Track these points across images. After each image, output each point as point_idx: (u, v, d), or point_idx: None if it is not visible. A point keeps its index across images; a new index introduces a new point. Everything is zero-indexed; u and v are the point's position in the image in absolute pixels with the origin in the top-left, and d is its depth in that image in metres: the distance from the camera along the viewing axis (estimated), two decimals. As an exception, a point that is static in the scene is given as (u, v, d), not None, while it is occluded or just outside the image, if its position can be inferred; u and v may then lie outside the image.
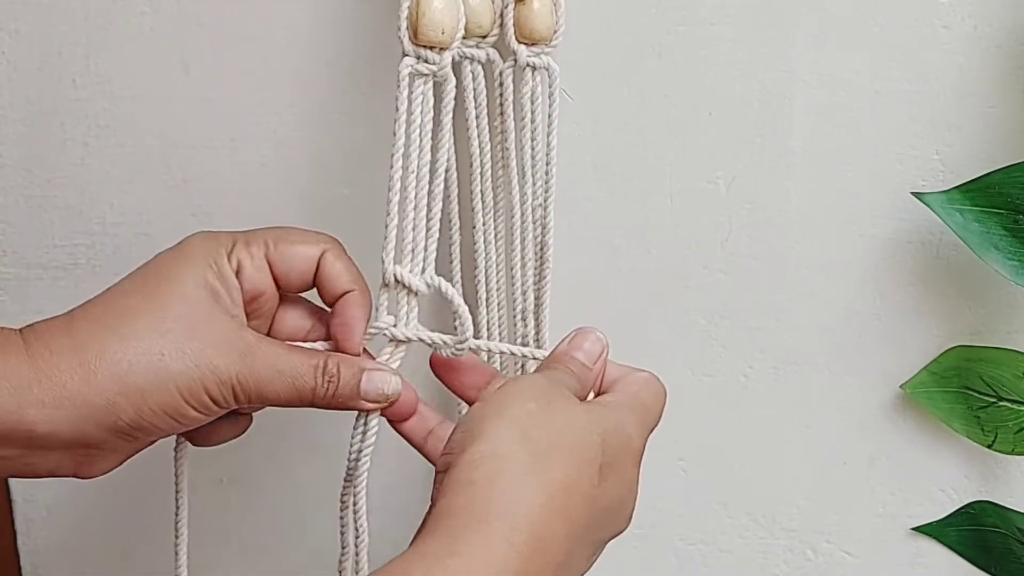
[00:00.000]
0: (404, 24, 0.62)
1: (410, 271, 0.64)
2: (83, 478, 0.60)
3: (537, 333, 0.70)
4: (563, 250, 0.70)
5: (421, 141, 0.63)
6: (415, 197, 0.63)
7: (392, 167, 0.63)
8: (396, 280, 0.64)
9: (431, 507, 0.54)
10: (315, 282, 0.62)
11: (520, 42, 0.65)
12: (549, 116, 0.67)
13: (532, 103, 0.66)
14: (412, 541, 0.52)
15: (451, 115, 0.63)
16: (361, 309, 0.62)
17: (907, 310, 0.74)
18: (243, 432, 0.66)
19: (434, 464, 0.60)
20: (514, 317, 0.70)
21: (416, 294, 0.64)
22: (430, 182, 0.64)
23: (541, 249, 0.68)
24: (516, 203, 0.68)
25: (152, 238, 0.74)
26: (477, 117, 0.67)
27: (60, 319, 0.58)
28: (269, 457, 0.78)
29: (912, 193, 0.70)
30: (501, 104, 0.67)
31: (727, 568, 0.79)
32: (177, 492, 0.67)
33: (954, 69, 0.70)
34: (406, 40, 0.62)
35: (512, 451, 0.54)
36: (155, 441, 0.62)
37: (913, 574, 0.79)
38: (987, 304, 0.73)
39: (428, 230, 0.64)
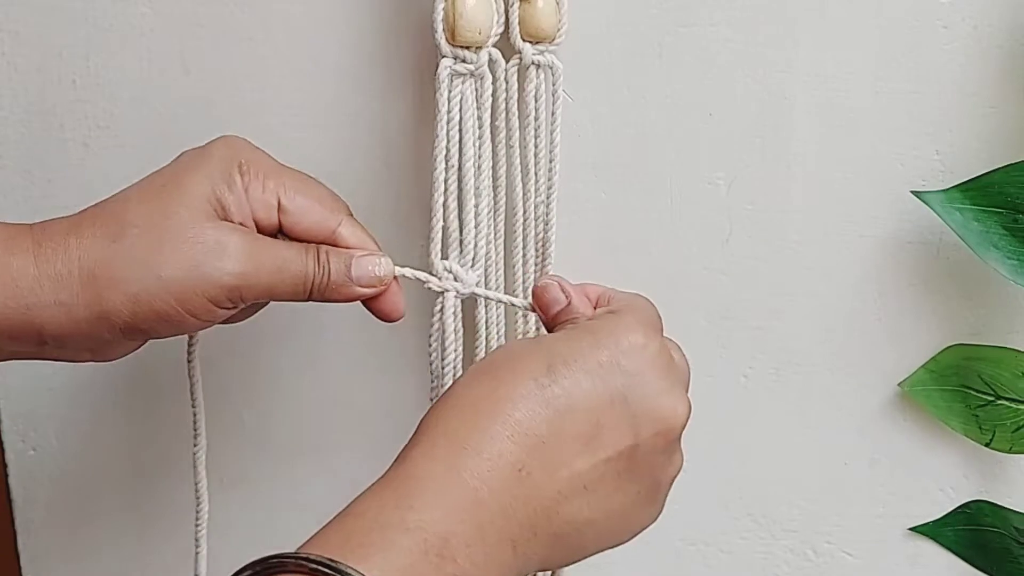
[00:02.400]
0: (440, 26, 0.63)
1: (460, 264, 0.66)
2: (104, 361, 0.63)
3: (537, 330, 0.70)
4: (563, 250, 0.70)
5: (462, 139, 0.65)
6: (459, 194, 0.66)
7: (435, 167, 0.65)
8: (447, 271, 0.66)
9: None
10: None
11: (525, 40, 0.66)
12: (552, 113, 0.67)
13: (536, 100, 0.67)
14: None
15: (490, 111, 0.65)
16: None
17: (907, 310, 0.74)
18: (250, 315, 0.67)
19: None
20: (515, 314, 0.71)
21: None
22: (476, 177, 0.66)
23: (543, 246, 0.69)
24: (519, 200, 0.68)
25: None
26: (479, 116, 0.67)
27: (68, 221, 0.59)
28: (269, 457, 0.78)
29: (911, 192, 0.70)
30: (506, 102, 0.67)
31: (728, 568, 0.79)
32: (192, 383, 0.69)
33: (954, 69, 0.70)
34: (443, 42, 0.63)
35: (462, 383, 0.56)
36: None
37: (913, 574, 0.79)
38: (987, 304, 0.73)
39: (477, 225, 0.66)
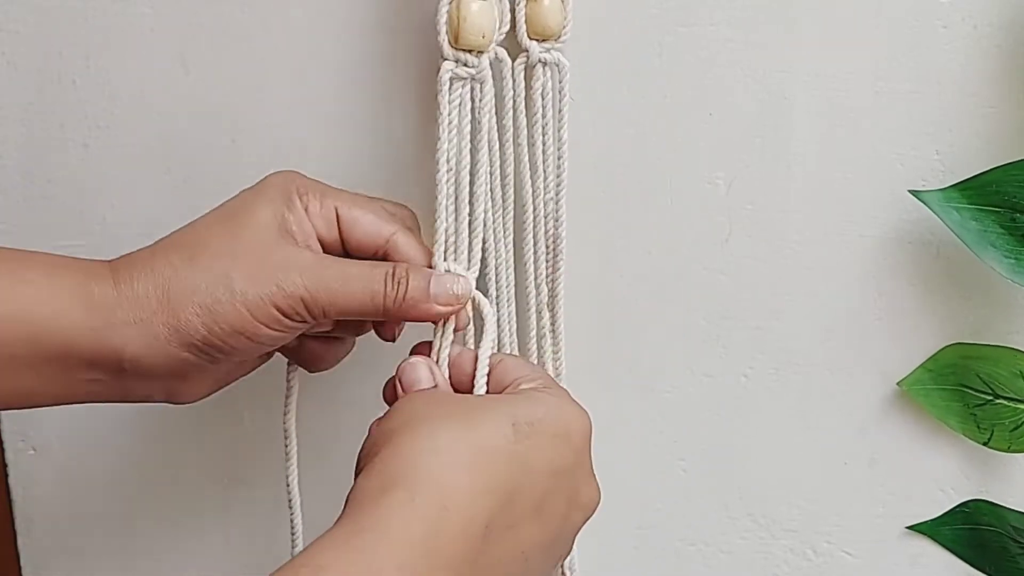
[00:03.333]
0: (444, 29, 0.63)
1: (459, 267, 0.66)
2: (177, 403, 0.64)
3: (553, 325, 0.71)
4: (563, 250, 0.70)
5: (460, 143, 0.65)
6: (457, 199, 0.66)
7: (438, 170, 0.65)
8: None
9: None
10: (384, 258, 0.64)
11: (532, 38, 0.66)
12: (560, 111, 0.68)
13: (543, 98, 0.67)
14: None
15: (491, 115, 0.66)
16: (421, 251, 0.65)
17: (907, 310, 0.74)
18: (348, 352, 0.69)
19: None
20: (527, 311, 0.71)
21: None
22: (471, 183, 0.66)
23: (554, 242, 0.69)
24: (528, 198, 0.69)
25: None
26: (479, 120, 0.67)
27: (145, 250, 0.62)
28: (269, 457, 0.78)
29: (909, 191, 0.70)
30: (514, 100, 0.67)
31: (728, 568, 0.79)
32: (285, 415, 0.70)
33: (954, 69, 0.70)
34: (446, 45, 0.63)
35: (414, 430, 0.55)
36: (248, 369, 0.65)
37: (913, 573, 0.79)
38: (986, 303, 0.74)
39: (472, 231, 0.66)
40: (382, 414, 0.60)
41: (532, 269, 0.70)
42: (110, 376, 0.60)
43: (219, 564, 0.80)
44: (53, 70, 0.71)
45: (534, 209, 0.69)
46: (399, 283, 0.61)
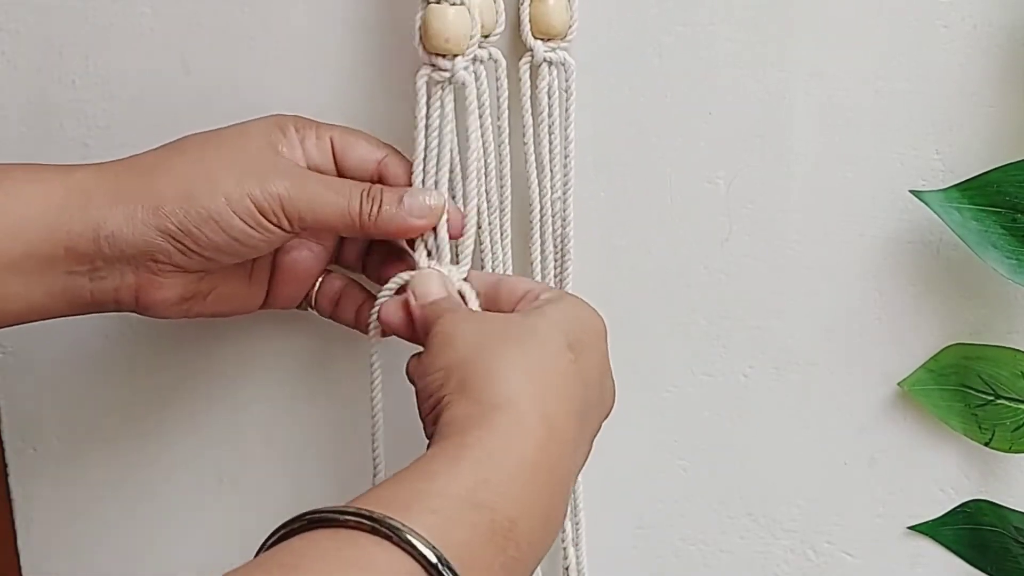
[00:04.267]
0: (417, 35, 0.63)
1: (441, 264, 0.65)
2: (145, 312, 0.63)
3: None
4: (572, 251, 0.70)
5: (440, 147, 0.65)
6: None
7: (413, 173, 0.65)
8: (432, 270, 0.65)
9: (433, 432, 0.54)
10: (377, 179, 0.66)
11: (536, 38, 0.66)
12: (566, 110, 0.68)
13: (549, 98, 0.68)
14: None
15: (475, 117, 0.65)
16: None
17: (907, 310, 0.74)
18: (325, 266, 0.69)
19: None
20: None
21: None
22: (463, 182, 0.66)
23: (562, 242, 0.70)
24: (535, 197, 0.69)
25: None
26: (480, 116, 0.67)
27: (133, 155, 0.63)
28: (269, 457, 0.78)
29: (910, 191, 0.70)
30: (520, 99, 0.68)
31: (727, 568, 0.79)
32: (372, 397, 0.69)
33: (954, 69, 0.70)
34: (420, 50, 0.64)
35: (486, 358, 0.55)
36: (221, 302, 0.66)
37: (914, 574, 0.79)
38: (987, 304, 0.74)
39: (465, 228, 0.66)
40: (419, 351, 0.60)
41: (540, 269, 0.70)
42: (86, 264, 0.60)
43: (219, 564, 0.80)
44: (53, 70, 0.71)
45: (541, 209, 0.69)
46: (373, 199, 0.63)
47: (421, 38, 0.63)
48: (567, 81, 0.68)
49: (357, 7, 0.69)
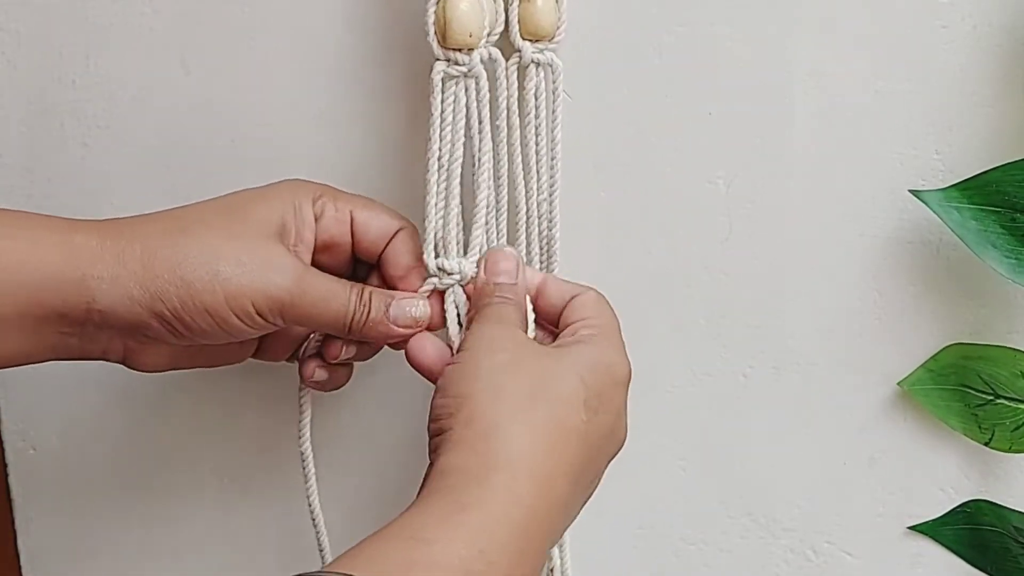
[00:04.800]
0: (432, 29, 0.63)
1: (448, 258, 0.66)
2: (132, 367, 0.64)
3: None
4: (563, 250, 0.70)
5: (453, 141, 0.65)
6: (448, 195, 0.66)
7: (428, 169, 0.65)
8: (440, 269, 0.66)
9: (429, 468, 0.56)
10: (383, 254, 0.66)
11: (524, 39, 0.66)
12: (553, 111, 0.68)
13: (536, 99, 0.67)
14: (414, 502, 0.54)
15: (488, 109, 0.65)
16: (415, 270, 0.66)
17: (907, 309, 0.74)
18: (346, 382, 0.70)
19: None
20: None
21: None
22: (476, 174, 0.66)
23: (548, 243, 0.69)
24: (521, 198, 0.69)
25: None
26: (479, 115, 0.67)
27: (138, 216, 0.63)
28: (269, 457, 0.78)
29: (910, 191, 0.70)
30: (507, 100, 0.67)
31: (727, 568, 0.79)
32: (300, 439, 0.72)
33: (954, 69, 0.70)
34: (435, 45, 0.63)
35: (497, 406, 0.56)
36: (209, 361, 0.66)
37: (914, 573, 0.79)
38: (987, 303, 0.73)
39: (475, 218, 0.66)
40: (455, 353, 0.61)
41: None
42: (76, 328, 0.60)
43: (219, 564, 0.80)
44: (53, 70, 0.71)
45: (527, 210, 0.69)
46: (364, 305, 0.63)
47: (437, 33, 0.63)
48: (554, 82, 0.67)
49: (357, 7, 0.69)
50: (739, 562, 0.79)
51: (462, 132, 0.65)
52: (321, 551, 0.73)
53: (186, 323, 0.60)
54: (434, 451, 0.56)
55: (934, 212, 0.70)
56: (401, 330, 0.64)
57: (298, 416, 0.70)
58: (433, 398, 0.58)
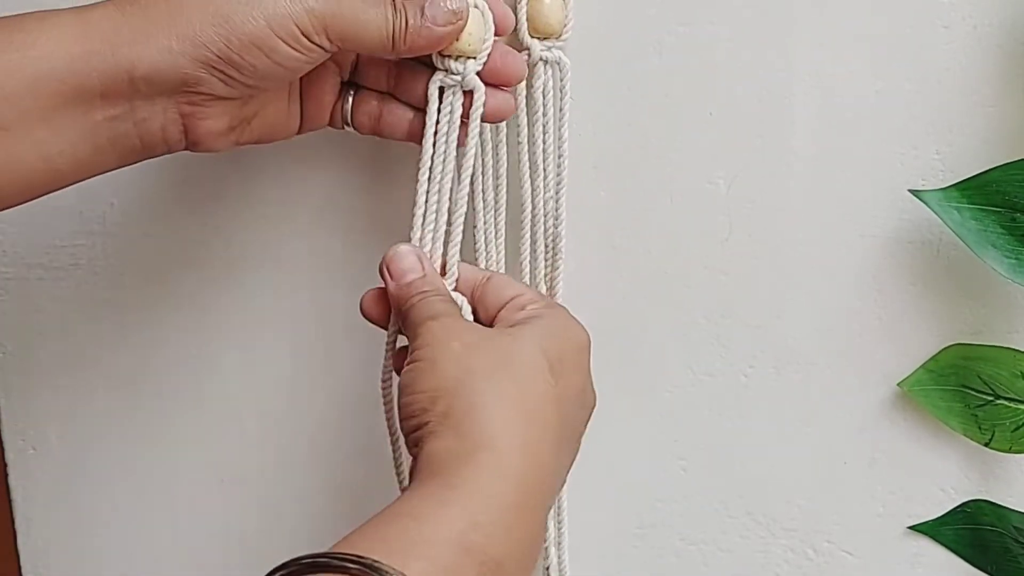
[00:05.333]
0: None
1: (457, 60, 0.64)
2: (196, 147, 0.61)
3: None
4: (563, 250, 0.70)
5: (447, 152, 0.65)
6: (439, 208, 0.65)
7: (419, 180, 0.65)
8: (446, 68, 0.64)
9: (414, 462, 0.56)
10: None
11: (533, 37, 0.66)
12: (560, 109, 0.68)
13: (544, 97, 0.67)
14: (406, 489, 0.54)
15: (478, 123, 0.65)
16: None
17: (907, 309, 0.74)
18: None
19: None
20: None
21: None
22: (454, 190, 0.65)
23: (554, 241, 0.69)
24: (527, 197, 0.69)
25: (152, 238, 0.74)
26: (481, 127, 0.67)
27: None
28: (269, 457, 0.78)
29: (910, 191, 0.70)
30: (516, 98, 0.67)
31: (727, 568, 0.79)
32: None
33: (954, 69, 0.70)
34: (434, 54, 0.63)
35: (469, 388, 0.56)
36: (269, 126, 0.63)
37: (914, 573, 0.79)
38: (987, 304, 0.73)
39: (450, 237, 0.65)
40: (406, 348, 0.60)
41: (529, 268, 0.70)
42: (126, 107, 0.58)
43: (219, 564, 0.80)
44: (53, 70, 0.70)
45: (533, 208, 0.69)
46: (399, 13, 0.60)
47: None
48: (562, 80, 0.68)
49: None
50: (739, 562, 0.79)
51: (455, 142, 0.65)
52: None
53: (234, 62, 0.57)
54: (415, 445, 0.56)
55: (934, 212, 0.70)
56: (443, 29, 0.61)
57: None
58: (400, 398, 0.58)
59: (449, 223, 0.66)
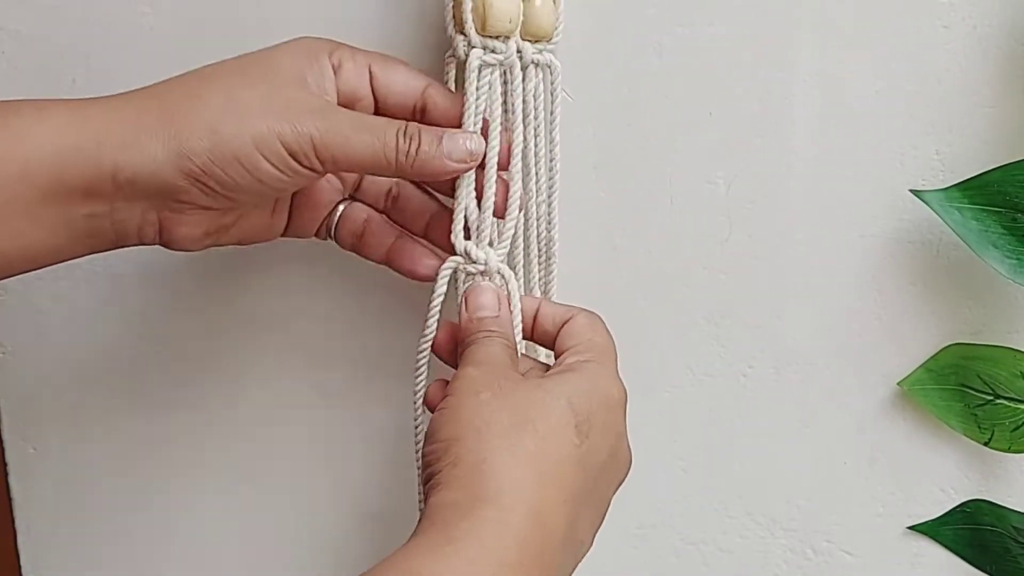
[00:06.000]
0: (470, 17, 0.63)
1: (479, 246, 0.65)
2: (169, 245, 0.61)
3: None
4: (563, 250, 0.70)
5: (491, 130, 0.64)
6: (485, 181, 0.64)
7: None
8: (466, 253, 0.65)
9: (423, 509, 0.55)
10: (422, 115, 0.64)
11: (524, 39, 0.66)
12: (551, 112, 0.67)
13: (535, 99, 0.67)
14: (406, 541, 0.53)
15: (521, 98, 0.65)
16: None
17: (907, 309, 0.74)
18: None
19: None
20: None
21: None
22: (510, 163, 0.65)
23: (547, 245, 0.69)
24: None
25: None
26: (512, 105, 0.67)
27: (152, 84, 0.60)
28: (269, 458, 0.78)
29: (911, 191, 0.70)
30: (507, 101, 0.67)
31: (727, 568, 0.79)
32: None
33: (954, 69, 0.70)
34: (473, 32, 0.63)
35: (483, 442, 0.55)
36: (247, 229, 0.63)
37: (913, 573, 0.79)
38: (987, 303, 0.74)
39: (508, 208, 0.65)
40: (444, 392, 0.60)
41: (523, 273, 0.70)
42: (106, 206, 0.58)
43: (219, 564, 0.80)
44: (53, 70, 0.71)
45: (526, 212, 0.68)
46: (411, 138, 0.60)
47: (475, 20, 0.63)
48: (552, 83, 0.67)
49: (357, 6, 0.69)
50: (739, 561, 0.79)
51: (497, 120, 0.65)
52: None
53: (217, 177, 0.57)
54: (425, 497, 0.55)
55: (935, 212, 0.70)
56: (455, 164, 0.61)
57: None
58: (423, 446, 0.57)
59: (510, 195, 0.65)
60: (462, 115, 0.64)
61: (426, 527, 0.53)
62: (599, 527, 0.60)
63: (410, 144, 0.60)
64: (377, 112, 0.64)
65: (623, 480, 0.62)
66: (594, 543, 0.60)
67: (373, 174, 0.64)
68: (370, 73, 0.63)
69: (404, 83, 0.63)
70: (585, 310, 0.64)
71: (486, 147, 0.64)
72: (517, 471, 0.54)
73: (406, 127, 0.60)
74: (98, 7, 0.69)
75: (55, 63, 0.70)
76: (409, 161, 0.60)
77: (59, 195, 0.57)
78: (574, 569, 0.59)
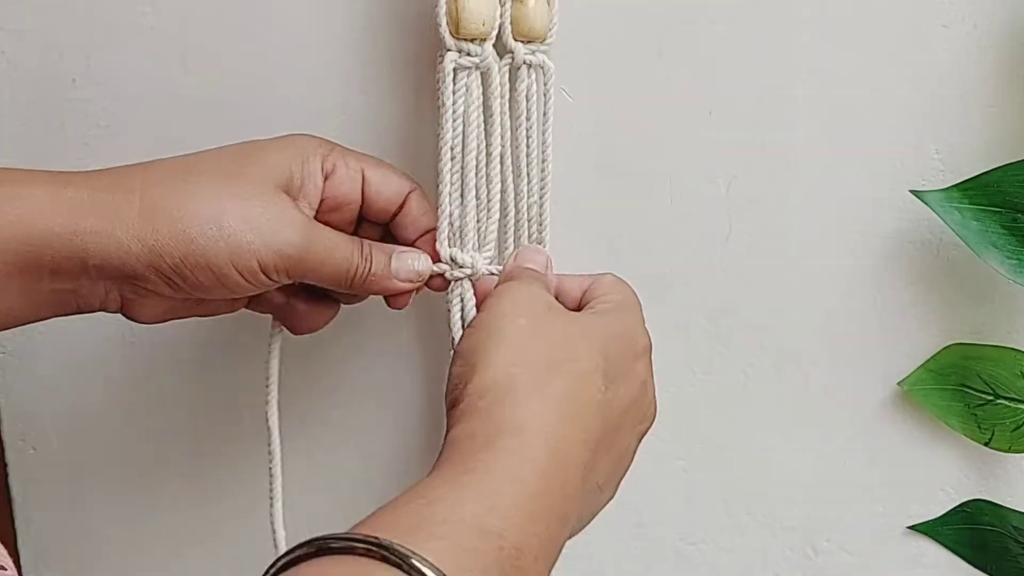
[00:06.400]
0: (444, 20, 0.63)
1: (472, 249, 0.66)
2: (130, 318, 0.62)
3: None
4: (563, 250, 0.70)
5: (466, 132, 0.65)
6: (463, 185, 0.66)
7: (441, 159, 0.65)
8: (452, 260, 0.65)
9: (444, 438, 0.54)
10: (397, 216, 0.65)
11: (517, 40, 0.66)
12: (544, 113, 0.67)
13: (528, 100, 0.67)
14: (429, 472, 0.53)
15: (500, 101, 0.65)
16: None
17: (907, 309, 0.74)
18: (334, 316, 0.68)
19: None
20: None
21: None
22: (487, 166, 0.66)
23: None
24: (511, 201, 0.68)
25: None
26: (491, 107, 0.67)
27: (136, 165, 0.60)
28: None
29: (911, 191, 0.70)
30: (500, 102, 0.67)
31: (727, 567, 0.79)
32: (267, 379, 0.69)
33: (954, 69, 0.70)
34: (447, 35, 0.63)
35: (512, 373, 0.55)
36: (209, 311, 0.64)
37: (913, 573, 0.79)
38: (987, 303, 0.74)
39: (489, 211, 0.66)
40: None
41: None
42: (72, 283, 0.58)
43: (219, 565, 0.80)
44: (53, 70, 0.71)
45: (517, 213, 0.68)
46: (366, 258, 0.62)
47: (449, 23, 0.63)
48: (545, 84, 0.67)
49: (357, 4, 0.69)
50: (739, 561, 0.79)
51: (474, 123, 0.65)
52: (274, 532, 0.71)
53: (186, 278, 0.58)
54: (449, 423, 0.55)
55: (935, 212, 0.70)
56: (402, 284, 0.64)
57: (267, 352, 0.69)
58: (451, 364, 0.57)
59: (489, 198, 0.66)
60: (440, 120, 0.65)
61: (444, 458, 0.53)
62: (621, 477, 0.60)
63: (365, 264, 0.62)
64: (361, 212, 0.65)
65: (646, 430, 0.62)
66: (592, 542, 0.60)
67: (326, 287, 0.64)
68: (363, 178, 0.64)
69: (394, 190, 0.65)
70: (610, 273, 0.65)
71: (463, 152, 0.65)
72: (540, 408, 0.54)
73: (362, 246, 0.62)
74: (98, 7, 0.70)
75: (55, 63, 0.70)
76: (361, 279, 0.62)
77: (28, 271, 0.57)
78: (592, 517, 0.59)
